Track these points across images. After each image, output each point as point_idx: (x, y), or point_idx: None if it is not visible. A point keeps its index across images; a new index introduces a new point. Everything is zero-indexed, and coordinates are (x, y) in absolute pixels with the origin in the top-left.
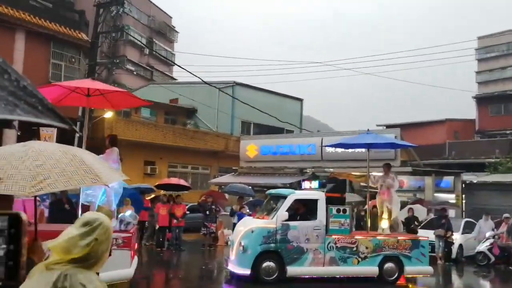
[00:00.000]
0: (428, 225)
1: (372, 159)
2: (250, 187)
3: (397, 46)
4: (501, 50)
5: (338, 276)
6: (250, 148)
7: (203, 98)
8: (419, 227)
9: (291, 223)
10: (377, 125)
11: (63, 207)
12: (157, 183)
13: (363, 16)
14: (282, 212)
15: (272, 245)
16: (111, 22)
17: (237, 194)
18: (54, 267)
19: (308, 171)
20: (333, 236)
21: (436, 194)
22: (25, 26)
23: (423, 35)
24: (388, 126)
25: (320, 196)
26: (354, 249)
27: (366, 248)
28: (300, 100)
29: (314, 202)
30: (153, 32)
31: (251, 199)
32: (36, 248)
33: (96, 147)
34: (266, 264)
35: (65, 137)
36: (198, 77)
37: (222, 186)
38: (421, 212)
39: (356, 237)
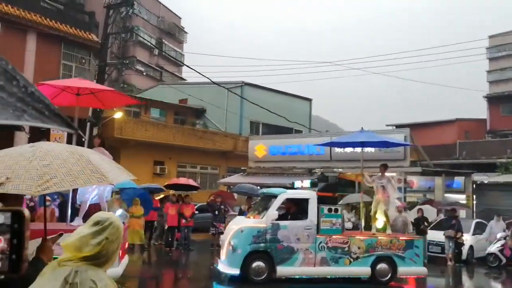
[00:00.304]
0: (438, 226)
1: (381, 159)
2: (258, 187)
3: (408, 45)
4: None
5: (329, 277)
6: (259, 148)
7: (212, 98)
8: (429, 228)
9: (281, 222)
10: (387, 125)
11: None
12: (166, 183)
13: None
14: (272, 212)
15: (262, 244)
16: (120, 23)
17: (245, 194)
18: (66, 264)
19: (317, 171)
20: (324, 236)
21: (446, 195)
22: (37, 27)
23: (435, 35)
24: (398, 126)
25: (311, 195)
26: (346, 249)
27: (359, 248)
28: (309, 100)
29: (305, 201)
30: (163, 32)
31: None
32: (45, 247)
33: (105, 148)
34: (256, 264)
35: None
36: (207, 78)
37: (231, 186)
38: (431, 213)
39: (348, 237)
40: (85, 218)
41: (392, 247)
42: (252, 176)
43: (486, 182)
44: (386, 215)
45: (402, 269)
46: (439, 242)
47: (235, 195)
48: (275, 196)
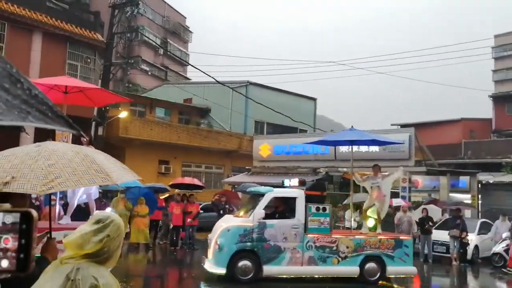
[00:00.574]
0: (442, 226)
1: (386, 159)
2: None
3: (409, 46)
4: None
5: (317, 276)
6: (264, 147)
7: (217, 97)
8: (434, 227)
9: (268, 221)
10: (391, 125)
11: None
12: (171, 183)
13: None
14: (259, 210)
15: (249, 244)
16: (126, 23)
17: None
18: (68, 261)
19: (321, 170)
20: (312, 235)
21: (451, 194)
22: (42, 27)
23: (436, 35)
24: (403, 126)
25: (299, 194)
26: (334, 248)
27: (347, 247)
28: (314, 99)
29: (292, 200)
30: (168, 32)
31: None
32: (50, 246)
33: (110, 146)
34: (242, 263)
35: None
36: (212, 77)
37: (236, 186)
38: (435, 213)
39: (336, 236)
40: (75, 217)
41: (381, 247)
42: (257, 176)
43: (491, 181)
44: (378, 215)
45: (391, 269)
46: (444, 242)
47: (240, 195)
48: (262, 195)
